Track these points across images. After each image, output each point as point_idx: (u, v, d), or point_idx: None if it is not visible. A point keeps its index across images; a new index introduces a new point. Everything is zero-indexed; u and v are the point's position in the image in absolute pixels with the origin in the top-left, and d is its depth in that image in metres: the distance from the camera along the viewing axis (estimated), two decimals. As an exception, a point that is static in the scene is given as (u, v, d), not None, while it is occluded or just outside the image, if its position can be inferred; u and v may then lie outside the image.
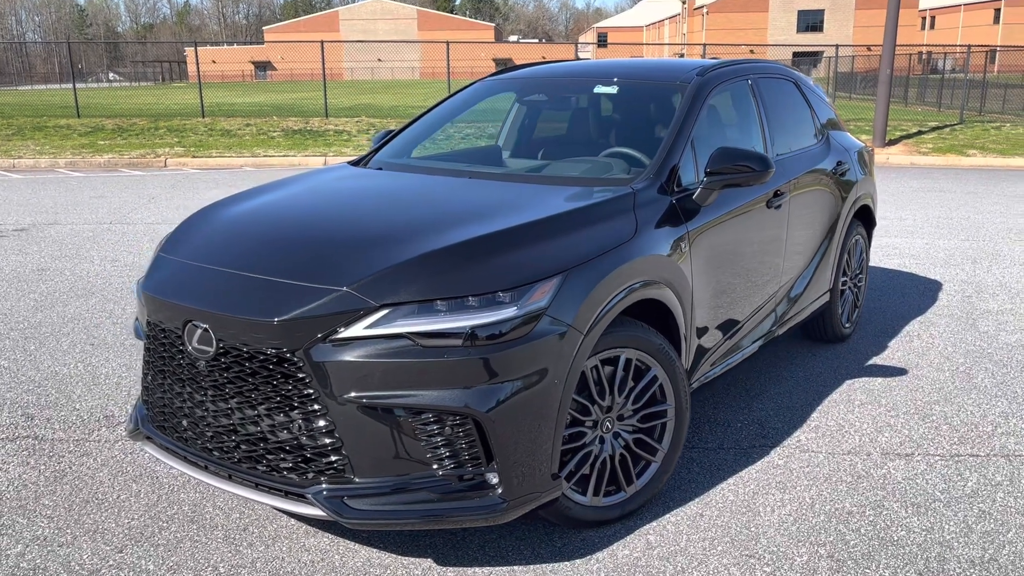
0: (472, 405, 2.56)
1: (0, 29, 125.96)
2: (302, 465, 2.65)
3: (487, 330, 2.58)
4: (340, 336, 2.56)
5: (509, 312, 2.62)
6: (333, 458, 2.62)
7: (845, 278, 5.17)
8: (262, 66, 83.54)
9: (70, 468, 3.57)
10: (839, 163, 4.86)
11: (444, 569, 2.87)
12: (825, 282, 4.84)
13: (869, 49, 40.24)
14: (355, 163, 4.11)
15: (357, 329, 2.56)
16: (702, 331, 3.56)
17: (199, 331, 2.71)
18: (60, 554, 2.94)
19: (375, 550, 2.98)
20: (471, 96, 4.48)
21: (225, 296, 2.70)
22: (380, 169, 3.91)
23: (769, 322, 4.26)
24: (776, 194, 4.06)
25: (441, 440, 2.61)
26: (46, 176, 14.01)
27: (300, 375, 2.58)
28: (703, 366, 3.64)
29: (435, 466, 2.63)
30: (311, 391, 2.58)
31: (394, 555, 2.95)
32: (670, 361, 3.15)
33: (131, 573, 2.84)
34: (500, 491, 2.66)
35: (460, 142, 6.28)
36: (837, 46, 21.00)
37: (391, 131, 4.43)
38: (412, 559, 2.92)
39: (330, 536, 3.06)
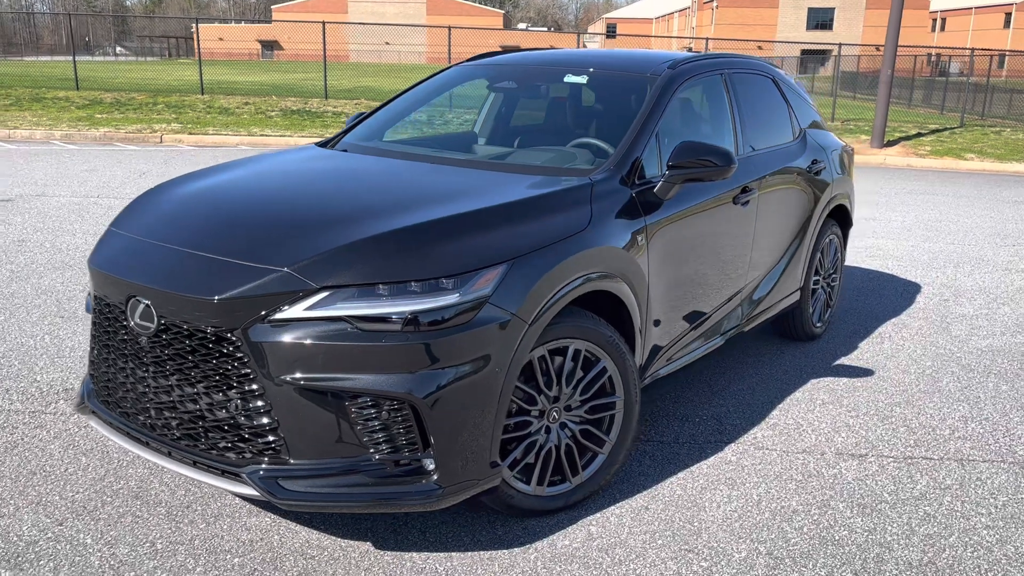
0: (409, 390, 2.56)
1: (10, 0, 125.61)
2: (239, 445, 2.65)
3: (427, 316, 2.58)
4: (279, 317, 2.55)
5: (451, 299, 2.61)
6: (270, 438, 2.62)
7: (818, 277, 5.16)
8: (269, 45, 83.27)
9: (22, 440, 3.58)
10: (814, 162, 4.84)
11: (381, 553, 2.87)
12: (795, 281, 4.83)
13: (877, 49, 40.04)
14: (323, 144, 4.10)
15: (296, 310, 2.55)
16: (659, 325, 3.55)
17: (141, 306, 2.70)
18: (0, 524, 2.95)
19: (315, 531, 2.98)
20: (444, 81, 4.46)
21: (167, 273, 2.69)
22: (345, 151, 3.90)
23: (734, 319, 4.25)
24: (744, 190, 4.05)
25: (378, 424, 2.61)
26: (40, 148, 13.98)
27: (238, 354, 2.58)
28: (658, 361, 3.64)
29: (372, 450, 2.63)
30: (249, 371, 2.58)
31: (334, 537, 2.95)
32: (620, 353, 3.15)
33: (68, 546, 2.84)
34: (436, 477, 2.66)
35: (442, 127, 6.26)
36: (840, 45, 20.89)
37: (363, 113, 4.42)
38: (351, 542, 2.93)
39: (272, 517, 3.06)
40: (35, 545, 2.84)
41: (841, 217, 5.39)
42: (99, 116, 17.22)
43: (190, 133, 15.60)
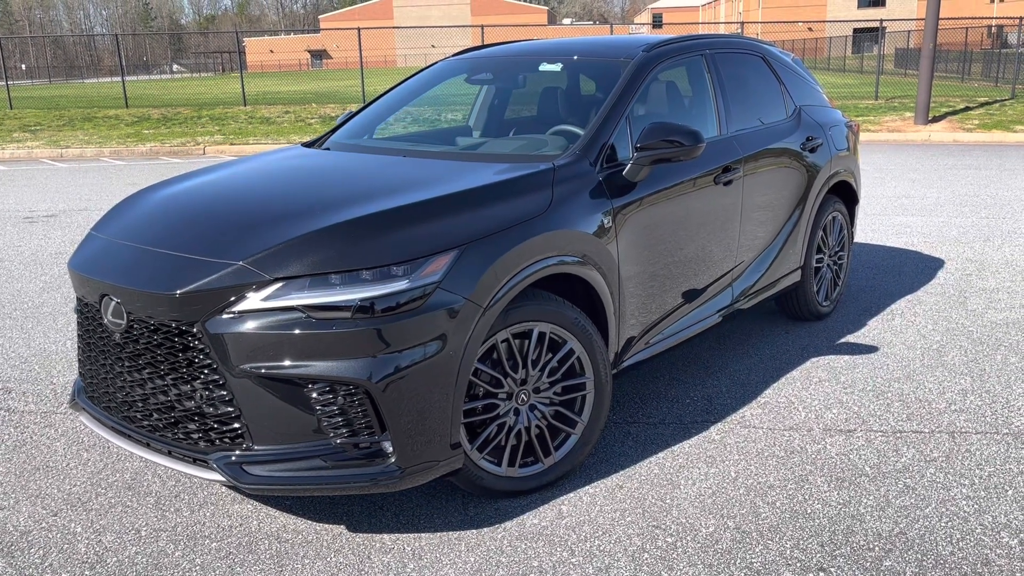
0: (362, 376, 2.64)
1: (70, 23, 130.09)
2: (207, 433, 2.77)
3: (378, 302, 2.65)
4: (235, 309, 2.65)
5: (401, 285, 2.68)
6: (234, 426, 2.73)
7: (821, 255, 5.10)
8: (318, 55, 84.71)
9: (31, 438, 3.76)
10: (808, 138, 4.78)
11: (353, 535, 2.96)
12: (795, 259, 4.78)
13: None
14: (309, 144, 4.21)
15: (251, 302, 2.65)
16: (636, 308, 3.56)
17: (112, 304, 2.84)
18: (-1, 516, 3.12)
19: (292, 516, 3.09)
20: (429, 77, 4.54)
21: (134, 271, 2.82)
22: (328, 150, 4.01)
23: (724, 299, 4.23)
24: (726, 170, 4.03)
25: (336, 409, 2.70)
26: (90, 165, 14.51)
27: (199, 346, 2.69)
28: (637, 344, 3.65)
29: (331, 434, 2.72)
30: (210, 362, 2.69)
31: (309, 521, 3.05)
32: (586, 334, 3.18)
33: (59, 535, 3.00)
34: (394, 459, 2.74)
35: (447, 124, 6.35)
36: (881, 20, 20.41)
37: (352, 112, 4.52)
38: (326, 525, 3.03)
39: (253, 504, 3.17)
40: (28, 535, 3.00)
41: (845, 194, 5.32)
42: (146, 132, 17.77)
43: (232, 144, 16.01)
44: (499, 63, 4.51)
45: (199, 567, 2.79)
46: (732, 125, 4.24)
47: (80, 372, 3.22)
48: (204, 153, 15.69)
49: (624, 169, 3.47)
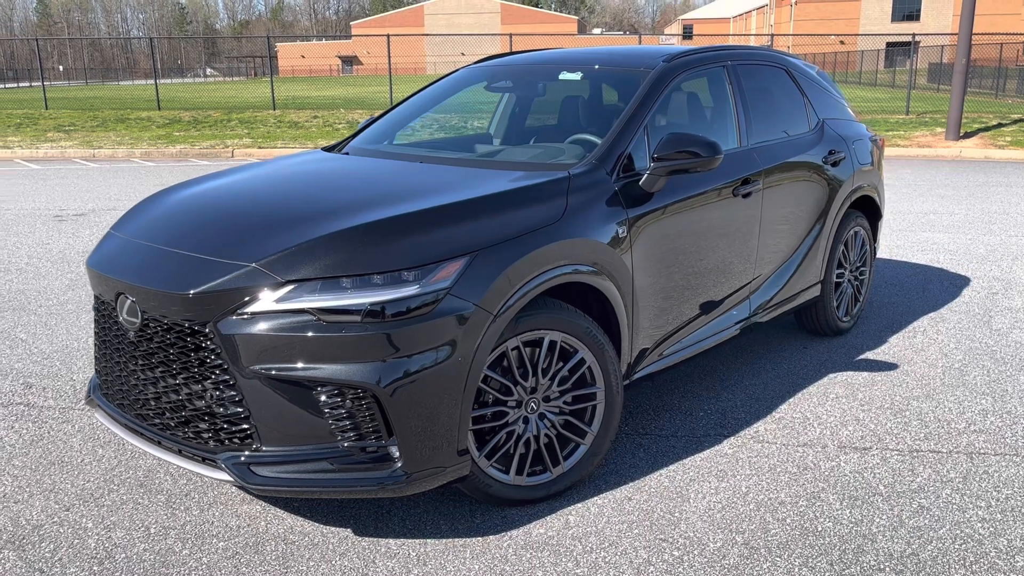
0: (370, 380, 2.64)
1: (108, 26, 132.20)
2: (216, 433, 2.79)
3: (388, 307, 2.66)
4: (247, 310, 2.67)
5: (411, 290, 2.68)
6: (244, 426, 2.74)
7: (842, 270, 5.04)
8: (348, 60, 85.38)
9: (48, 433, 3.81)
10: (831, 152, 4.74)
11: (359, 539, 2.97)
12: (815, 274, 4.73)
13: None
14: (329, 148, 4.24)
15: (263, 304, 2.67)
16: (650, 319, 3.54)
17: (128, 303, 2.87)
18: (12, 510, 3.16)
19: (300, 518, 3.09)
20: (450, 85, 4.56)
21: (149, 270, 2.85)
22: (347, 154, 4.03)
23: (741, 312, 4.20)
24: (745, 182, 4.01)
25: (344, 413, 2.70)
26: (120, 166, 14.71)
27: (211, 346, 2.71)
28: (651, 355, 3.63)
29: (339, 438, 2.73)
30: (220, 362, 2.71)
31: (316, 524, 3.06)
32: (598, 344, 3.17)
33: (70, 529, 3.03)
34: (400, 464, 2.74)
35: (470, 131, 6.36)
36: (914, 35, 20.22)
37: (374, 117, 4.55)
38: (332, 528, 3.03)
39: (262, 505, 3.19)
40: (40, 528, 3.04)
41: (868, 209, 5.27)
42: (177, 134, 17.99)
43: (260, 147, 16.16)
44: (520, 71, 4.52)
45: (205, 566, 2.81)
46: (753, 137, 4.21)
47: (96, 369, 3.26)
48: (232, 156, 15.85)
49: (641, 179, 3.46)
